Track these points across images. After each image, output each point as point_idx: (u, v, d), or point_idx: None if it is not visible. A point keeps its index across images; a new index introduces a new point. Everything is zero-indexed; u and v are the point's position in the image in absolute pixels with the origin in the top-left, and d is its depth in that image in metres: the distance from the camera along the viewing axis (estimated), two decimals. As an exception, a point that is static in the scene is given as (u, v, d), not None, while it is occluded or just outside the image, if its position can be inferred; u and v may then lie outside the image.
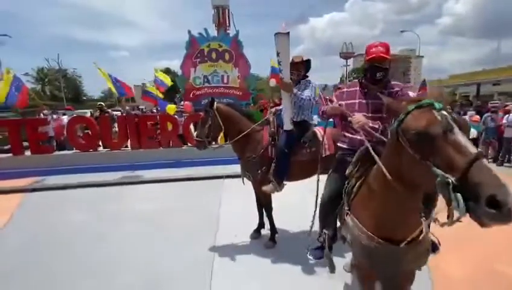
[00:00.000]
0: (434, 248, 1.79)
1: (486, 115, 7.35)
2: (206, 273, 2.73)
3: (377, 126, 1.73)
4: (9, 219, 4.01)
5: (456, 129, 1.06)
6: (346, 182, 1.77)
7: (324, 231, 2.10)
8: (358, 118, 1.74)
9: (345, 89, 2.07)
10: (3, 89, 6.09)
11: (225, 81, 7.34)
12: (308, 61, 3.08)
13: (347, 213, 1.67)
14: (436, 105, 1.12)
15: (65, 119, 7.34)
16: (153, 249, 3.21)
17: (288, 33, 2.62)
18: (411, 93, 1.84)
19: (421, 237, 1.45)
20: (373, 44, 1.84)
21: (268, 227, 3.30)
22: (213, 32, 8.36)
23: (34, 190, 5.14)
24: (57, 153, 6.56)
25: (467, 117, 7.55)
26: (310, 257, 2.30)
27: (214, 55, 7.22)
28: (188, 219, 3.89)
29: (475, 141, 7.17)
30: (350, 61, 51.65)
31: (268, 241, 3.24)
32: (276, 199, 3.23)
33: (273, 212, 3.27)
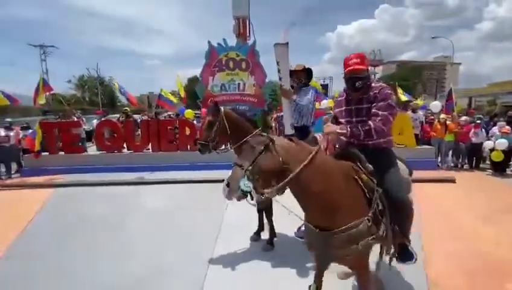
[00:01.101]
0: (409, 256, 2.05)
1: (518, 126, 6.81)
2: (202, 269, 2.87)
3: (344, 131, 1.91)
4: (41, 210, 4.50)
5: None
6: None
7: None
8: (328, 128, 1.97)
9: (337, 99, 2.26)
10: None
11: (241, 88, 7.58)
12: (309, 70, 3.18)
13: None
14: None
15: (94, 122, 8.00)
16: (158, 243, 3.45)
17: (287, 43, 2.75)
18: (388, 92, 1.95)
19: (345, 227, 1.68)
20: (349, 57, 1.99)
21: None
22: (234, 42, 8.63)
23: (63, 185, 5.67)
24: (86, 153, 7.19)
25: (496, 128, 7.05)
26: None
27: (231, 64, 7.51)
28: (194, 218, 4.09)
29: (506, 154, 6.66)
30: (379, 68, 50.26)
31: (266, 244, 3.30)
32: (276, 203, 3.30)
33: (273, 217, 3.34)
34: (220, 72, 7.52)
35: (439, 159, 7.78)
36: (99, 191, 5.41)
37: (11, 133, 7.24)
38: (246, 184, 1.56)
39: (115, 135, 7.16)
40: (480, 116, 8.67)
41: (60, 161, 6.85)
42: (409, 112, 8.16)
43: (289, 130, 3.05)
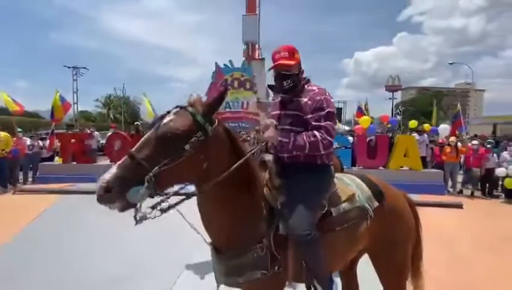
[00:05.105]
0: None
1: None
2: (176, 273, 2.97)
3: (287, 140, 1.51)
4: (41, 213, 4.77)
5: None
6: None
7: None
8: (269, 132, 1.54)
9: (274, 100, 1.91)
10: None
11: (245, 106, 7.84)
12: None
13: None
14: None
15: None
16: (144, 248, 3.61)
17: (263, 59, 2.93)
18: (322, 98, 1.56)
19: (238, 247, 1.40)
20: (277, 50, 1.61)
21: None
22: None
23: (66, 192, 5.97)
24: (95, 164, 7.59)
25: (506, 153, 6.67)
26: None
27: (236, 84, 7.86)
28: (188, 228, 4.17)
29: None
30: (397, 93, 49.70)
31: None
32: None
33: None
34: (225, 91, 7.91)
35: (450, 184, 7.42)
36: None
37: (37, 143, 7.88)
38: (142, 193, 1.10)
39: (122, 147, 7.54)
40: (491, 140, 8.27)
41: (71, 169, 7.28)
42: (414, 134, 7.98)
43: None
